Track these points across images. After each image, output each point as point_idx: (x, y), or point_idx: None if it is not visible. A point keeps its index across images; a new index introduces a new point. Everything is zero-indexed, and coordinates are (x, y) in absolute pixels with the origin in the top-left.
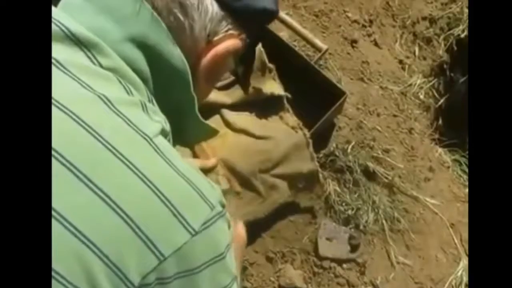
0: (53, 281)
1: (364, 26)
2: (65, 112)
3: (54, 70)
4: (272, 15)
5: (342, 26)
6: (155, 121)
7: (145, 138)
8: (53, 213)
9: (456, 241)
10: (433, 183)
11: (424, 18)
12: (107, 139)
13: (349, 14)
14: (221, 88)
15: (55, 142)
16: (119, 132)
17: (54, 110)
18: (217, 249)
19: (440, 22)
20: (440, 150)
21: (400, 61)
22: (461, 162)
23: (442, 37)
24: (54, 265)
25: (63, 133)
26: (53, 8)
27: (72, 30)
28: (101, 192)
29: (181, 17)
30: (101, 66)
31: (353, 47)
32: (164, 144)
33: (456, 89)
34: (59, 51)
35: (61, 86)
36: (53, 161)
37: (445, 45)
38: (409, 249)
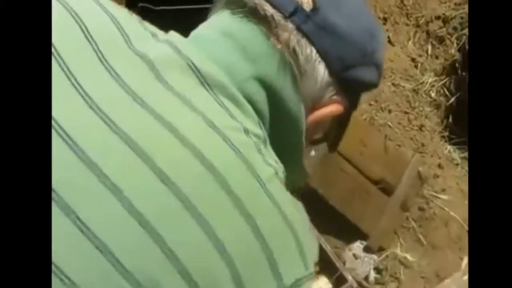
0: None
1: None
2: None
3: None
4: (375, 86)
5: None
6: (268, 164)
7: (258, 182)
8: None
9: (463, 237)
10: (442, 179)
11: (437, 18)
12: (225, 177)
13: None
14: None
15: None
16: (236, 175)
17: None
18: None
19: (453, 22)
20: (449, 147)
21: (413, 59)
22: None
23: (454, 36)
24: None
25: (178, 164)
26: (181, 39)
27: (197, 65)
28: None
29: (299, 80)
30: (222, 102)
31: None
32: (278, 189)
33: (467, 88)
34: (177, 79)
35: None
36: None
37: (457, 44)
38: (416, 243)
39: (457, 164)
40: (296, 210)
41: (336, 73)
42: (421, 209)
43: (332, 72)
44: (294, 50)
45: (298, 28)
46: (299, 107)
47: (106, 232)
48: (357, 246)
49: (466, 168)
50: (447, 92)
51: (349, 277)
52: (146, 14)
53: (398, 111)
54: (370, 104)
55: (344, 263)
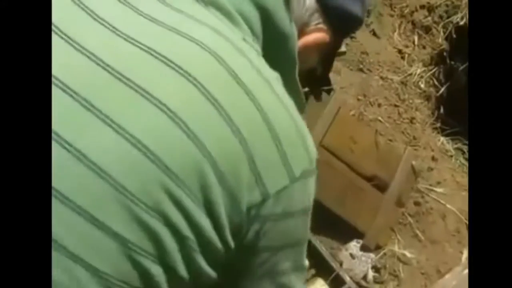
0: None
1: None
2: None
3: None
4: (359, 24)
5: None
6: (270, 68)
7: (265, 80)
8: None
9: (461, 230)
10: (436, 172)
11: (422, 7)
12: (231, 65)
13: None
14: None
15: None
16: (244, 70)
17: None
18: (308, 202)
19: (439, 10)
20: (442, 139)
21: (400, 51)
22: (464, 151)
23: (441, 25)
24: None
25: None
26: None
27: None
28: (221, 108)
29: (291, 6)
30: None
31: (351, 38)
32: (282, 90)
33: (456, 77)
34: None
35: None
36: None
37: (444, 33)
38: (414, 239)
39: (451, 156)
40: (297, 111)
41: (322, 0)
42: (417, 203)
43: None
44: None
45: None
46: (291, 26)
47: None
48: (354, 246)
49: (461, 159)
50: (436, 82)
51: (347, 278)
52: None
53: (387, 105)
54: (358, 99)
55: (341, 264)
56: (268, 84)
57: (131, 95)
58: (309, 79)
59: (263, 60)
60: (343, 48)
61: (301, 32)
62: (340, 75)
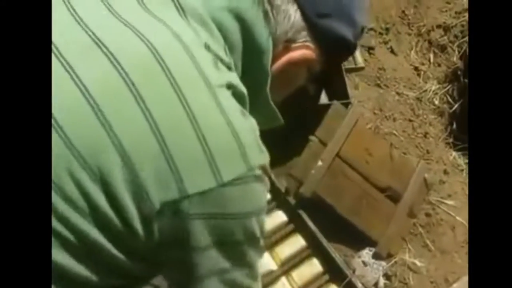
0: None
1: (380, 33)
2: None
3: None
4: (350, 48)
5: None
6: (223, 77)
7: (206, 82)
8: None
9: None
10: (448, 185)
11: (438, 26)
12: (168, 64)
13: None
14: None
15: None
16: (183, 70)
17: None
18: (252, 207)
19: (454, 30)
20: (454, 153)
21: (416, 68)
22: None
23: (456, 44)
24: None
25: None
26: None
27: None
28: (141, 100)
29: (271, 15)
30: (191, 23)
31: (370, 54)
32: (226, 96)
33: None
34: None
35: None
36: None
37: (459, 52)
38: (424, 249)
39: (462, 170)
40: (243, 118)
41: (309, 18)
42: (428, 215)
43: (306, 17)
44: None
45: None
46: (268, 41)
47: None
48: (366, 253)
49: None
50: (450, 99)
51: (359, 285)
52: None
53: (402, 120)
54: (375, 113)
55: (353, 271)
56: (210, 90)
57: (61, 72)
58: (302, 98)
59: (231, 72)
60: (361, 64)
61: (286, 48)
62: (358, 89)
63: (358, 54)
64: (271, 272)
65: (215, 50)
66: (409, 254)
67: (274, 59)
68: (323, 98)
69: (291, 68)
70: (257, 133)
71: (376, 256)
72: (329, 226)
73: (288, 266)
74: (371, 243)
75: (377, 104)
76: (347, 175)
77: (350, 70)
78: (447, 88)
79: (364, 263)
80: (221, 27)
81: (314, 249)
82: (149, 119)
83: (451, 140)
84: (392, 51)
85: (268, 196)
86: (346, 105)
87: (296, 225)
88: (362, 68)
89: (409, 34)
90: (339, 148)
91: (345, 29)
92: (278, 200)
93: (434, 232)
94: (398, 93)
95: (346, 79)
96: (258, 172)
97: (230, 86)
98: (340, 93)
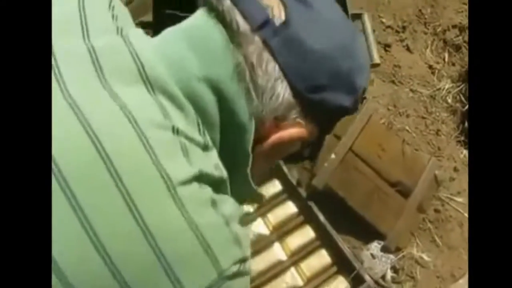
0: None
1: (397, 31)
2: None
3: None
4: (347, 113)
5: (377, 31)
6: (191, 165)
7: (165, 181)
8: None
9: None
10: (458, 182)
11: (454, 26)
12: (120, 173)
13: (384, 20)
14: None
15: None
16: (137, 171)
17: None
18: None
19: None
20: (465, 152)
21: (430, 66)
22: None
23: None
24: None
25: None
26: (140, 33)
27: (142, 60)
28: (87, 222)
29: (253, 94)
30: (159, 100)
31: (386, 51)
32: (191, 192)
33: None
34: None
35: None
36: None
37: None
38: (432, 244)
39: None
40: (213, 213)
41: (300, 93)
42: (437, 211)
43: (296, 92)
44: (252, 65)
45: (264, 42)
46: (250, 120)
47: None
48: (375, 246)
49: None
50: (463, 98)
51: (367, 277)
52: (172, 21)
53: (415, 116)
54: (389, 109)
55: (362, 263)
56: (169, 192)
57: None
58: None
59: (206, 153)
60: (377, 61)
61: (276, 126)
62: (373, 85)
63: (374, 50)
64: (280, 262)
65: (186, 131)
66: (417, 249)
67: (262, 138)
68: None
69: (280, 146)
70: (235, 219)
71: (384, 249)
72: (340, 218)
73: (298, 256)
74: (380, 236)
75: (391, 100)
76: (359, 169)
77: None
78: (460, 87)
79: (373, 256)
80: (195, 99)
81: (324, 240)
82: (93, 238)
83: (462, 138)
84: (408, 49)
85: (280, 187)
86: (361, 100)
87: (306, 216)
88: (377, 65)
89: (425, 33)
90: (352, 142)
91: (343, 98)
92: (289, 191)
93: (443, 228)
94: (412, 90)
95: None
96: (234, 268)
97: (200, 176)
98: None
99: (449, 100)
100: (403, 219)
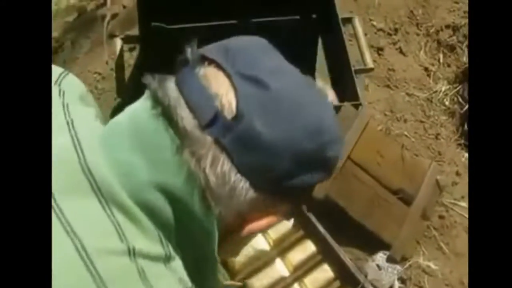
0: None
1: (389, 34)
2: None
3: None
4: (322, 182)
5: (368, 35)
6: None
7: None
8: None
9: None
10: (461, 187)
11: (447, 26)
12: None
13: (375, 23)
14: None
15: None
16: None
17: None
18: None
19: (463, 29)
20: (466, 155)
21: (425, 68)
22: None
23: (465, 44)
24: None
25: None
26: (90, 130)
27: (92, 170)
28: None
29: (209, 198)
30: (114, 217)
31: (379, 54)
32: None
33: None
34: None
35: None
36: None
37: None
38: (439, 251)
39: None
40: None
41: (265, 190)
42: (441, 217)
43: (260, 190)
44: (204, 170)
45: (216, 141)
46: (211, 223)
47: None
48: (380, 257)
49: None
50: (460, 100)
51: None
52: (159, 33)
53: (413, 121)
54: (385, 115)
55: (366, 275)
56: None
57: None
58: None
59: (169, 266)
60: (370, 65)
61: (244, 220)
62: (368, 90)
63: (367, 55)
64: (283, 278)
65: (144, 248)
66: (423, 257)
67: (232, 231)
68: (334, 100)
69: (257, 231)
70: None
71: (390, 260)
72: (341, 229)
73: (301, 271)
74: (384, 246)
75: (387, 105)
76: (358, 178)
77: (359, 71)
78: (457, 88)
79: (379, 267)
80: (152, 211)
81: (325, 254)
82: None
83: (462, 141)
84: (401, 52)
85: None
86: (357, 106)
87: (306, 230)
88: (371, 69)
89: (418, 35)
90: (350, 151)
91: (314, 176)
92: None
93: (448, 234)
94: (408, 94)
95: (356, 80)
96: None
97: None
98: (350, 95)
99: (447, 102)
100: (407, 227)
